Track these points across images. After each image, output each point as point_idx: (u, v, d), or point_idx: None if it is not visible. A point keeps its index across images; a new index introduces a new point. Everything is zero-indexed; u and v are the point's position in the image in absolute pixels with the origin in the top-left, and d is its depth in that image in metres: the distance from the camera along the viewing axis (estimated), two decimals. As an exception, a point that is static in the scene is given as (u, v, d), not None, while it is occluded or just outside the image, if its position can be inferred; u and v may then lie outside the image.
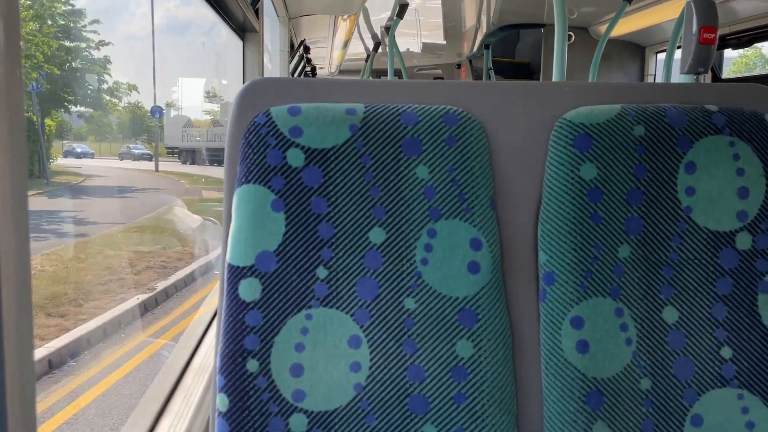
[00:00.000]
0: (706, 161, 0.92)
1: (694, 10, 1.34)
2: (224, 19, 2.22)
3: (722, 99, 0.98)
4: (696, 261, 0.92)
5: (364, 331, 0.88)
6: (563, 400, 0.89)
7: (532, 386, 0.93)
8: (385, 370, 0.87)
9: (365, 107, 0.91)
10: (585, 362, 0.88)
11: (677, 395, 0.90)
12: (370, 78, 5.98)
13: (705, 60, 1.30)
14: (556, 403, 0.89)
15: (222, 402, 0.86)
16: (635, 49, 4.42)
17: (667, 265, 0.92)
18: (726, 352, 0.91)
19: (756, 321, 0.91)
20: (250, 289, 0.87)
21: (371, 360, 0.87)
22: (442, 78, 7.13)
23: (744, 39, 3.15)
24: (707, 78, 3.43)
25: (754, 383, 0.91)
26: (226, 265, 0.89)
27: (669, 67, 3.13)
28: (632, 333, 0.90)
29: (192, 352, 1.57)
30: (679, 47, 2.21)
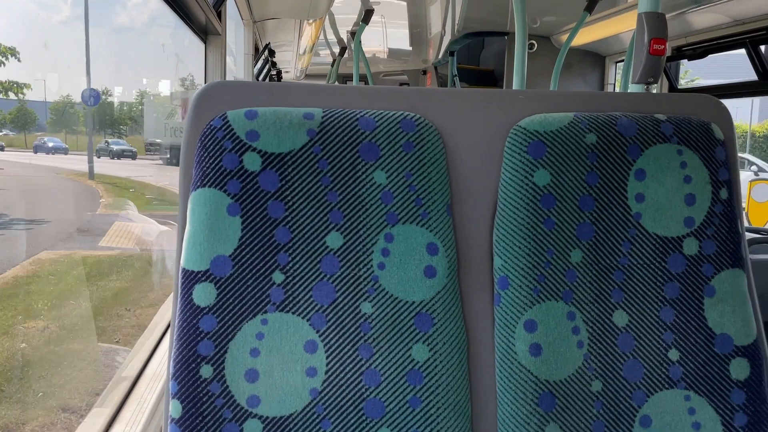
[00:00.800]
0: (655, 169, 0.95)
1: (645, 21, 1.38)
2: (185, 22, 2.20)
3: (671, 108, 1.01)
4: (645, 266, 0.94)
5: (320, 336, 0.88)
6: (516, 402, 0.90)
7: (487, 389, 0.94)
8: (342, 375, 0.87)
9: (323, 112, 0.91)
10: (538, 365, 0.90)
11: (627, 397, 0.92)
12: (336, 83, 5.99)
13: (655, 70, 1.34)
14: (509, 406, 0.90)
15: (175, 408, 0.85)
16: (596, 58, 4.52)
17: (618, 269, 0.94)
18: (673, 354, 0.93)
19: (702, 324, 0.94)
20: (204, 294, 0.86)
21: (327, 365, 0.87)
22: (407, 84, 7.17)
23: (699, 50, 3.25)
24: (664, 87, 3.53)
25: (700, 385, 0.93)
26: (180, 270, 0.88)
27: (627, 77, 3.21)
28: (584, 336, 0.92)
29: (147, 358, 1.54)
30: None
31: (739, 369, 0.94)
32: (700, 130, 0.97)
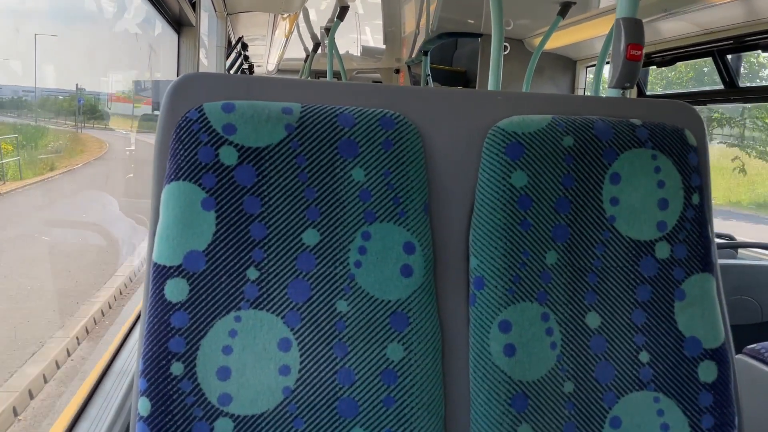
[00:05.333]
0: (629, 173, 0.96)
1: (622, 27, 1.40)
2: (159, 11, 2.15)
3: (646, 114, 1.02)
4: (618, 268, 0.95)
5: (294, 334, 0.87)
6: (490, 402, 0.90)
7: (460, 389, 0.94)
8: (315, 374, 0.86)
9: (302, 107, 0.90)
10: (511, 365, 0.90)
11: (598, 398, 0.93)
12: (309, 78, 5.94)
13: (631, 75, 1.36)
14: (482, 406, 0.90)
15: (143, 406, 0.83)
16: (567, 62, 4.58)
17: (591, 271, 0.95)
18: (644, 357, 0.95)
19: (672, 327, 0.96)
20: (176, 290, 0.84)
21: (301, 363, 0.86)
22: (380, 82, 7.17)
23: (668, 58, 3.32)
24: (633, 93, 3.59)
25: (669, 387, 0.95)
26: (151, 264, 0.86)
27: (598, 81, 3.26)
28: (557, 337, 0.92)
29: (113, 354, 1.51)
30: (607, 63, 2.29)
31: (707, 371, 0.96)
32: (674, 135, 0.99)
